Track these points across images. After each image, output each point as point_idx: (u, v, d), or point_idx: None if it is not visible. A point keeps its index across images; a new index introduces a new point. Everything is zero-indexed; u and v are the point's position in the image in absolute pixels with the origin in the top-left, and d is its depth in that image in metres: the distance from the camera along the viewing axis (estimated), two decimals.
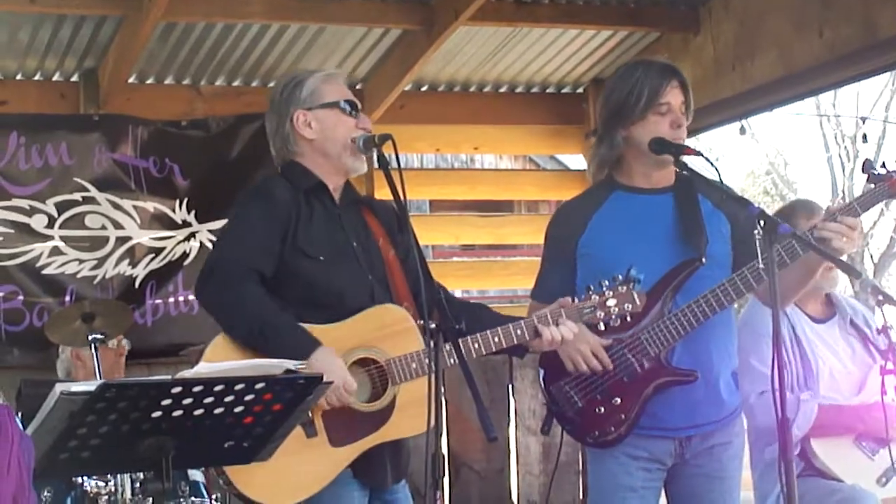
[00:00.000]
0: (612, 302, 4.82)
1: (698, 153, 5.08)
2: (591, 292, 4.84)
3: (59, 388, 3.80)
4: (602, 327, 4.86)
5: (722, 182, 5.03)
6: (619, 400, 5.10)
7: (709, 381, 5.14)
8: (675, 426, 5.14)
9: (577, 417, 5.21)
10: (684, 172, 5.06)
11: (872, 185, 5.08)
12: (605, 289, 4.82)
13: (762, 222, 4.44)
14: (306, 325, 4.61)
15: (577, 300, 4.89)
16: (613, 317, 4.83)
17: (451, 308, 4.65)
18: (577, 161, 11.07)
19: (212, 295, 4.67)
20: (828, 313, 6.35)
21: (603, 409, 5.13)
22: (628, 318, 4.89)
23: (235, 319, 4.61)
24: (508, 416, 8.94)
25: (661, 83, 5.18)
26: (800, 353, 6.17)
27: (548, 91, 9.95)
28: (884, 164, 5.05)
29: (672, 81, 5.17)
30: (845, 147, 28.36)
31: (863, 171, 5.16)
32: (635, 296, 4.82)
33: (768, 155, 29.07)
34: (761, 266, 4.45)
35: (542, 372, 5.22)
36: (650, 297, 4.94)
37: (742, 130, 9.12)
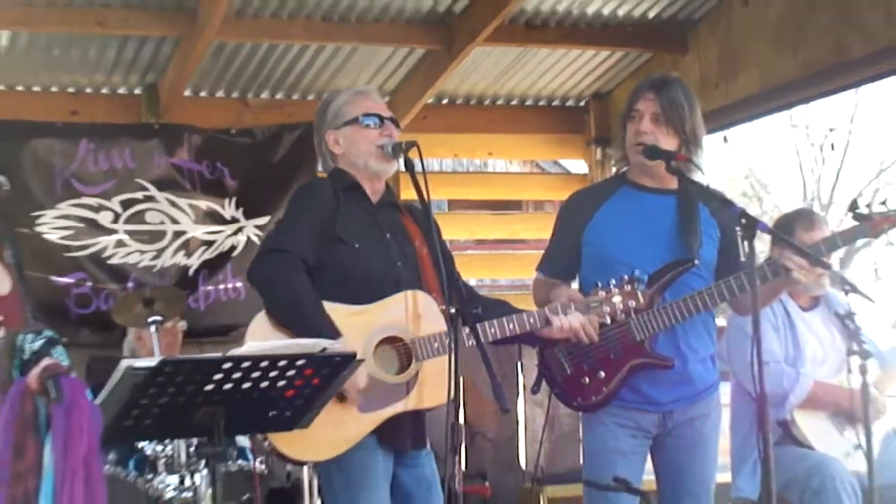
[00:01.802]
0: (617, 299, 4.82)
1: (689, 160, 5.06)
2: (598, 289, 4.84)
3: (124, 363, 3.80)
4: (608, 321, 4.86)
5: (709, 186, 5.03)
6: (602, 374, 5.12)
7: (688, 364, 5.15)
8: (659, 401, 5.15)
9: (564, 384, 5.23)
10: (688, 181, 5.04)
11: (856, 223, 5.10)
12: (612, 286, 4.82)
13: (743, 220, 4.44)
14: (341, 305, 4.64)
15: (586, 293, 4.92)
16: (618, 312, 4.83)
17: (473, 299, 4.77)
18: (578, 166, 11.05)
19: (261, 276, 4.69)
20: (814, 303, 6.37)
21: (588, 380, 5.15)
22: (632, 315, 4.90)
23: (276, 299, 4.65)
24: (517, 390, 8.93)
25: (637, 93, 5.20)
26: (792, 336, 6.19)
27: (553, 104, 9.93)
28: (869, 205, 5.06)
29: (647, 93, 5.16)
30: (814, 154, 28.31)
31: (850, 209, 5.17)
32: (639, 294, 4.82)
33: (746, 161, 29.12)
34: (743, 259, 4.44)
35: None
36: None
37: (725, 140, 9.10)
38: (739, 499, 6.34)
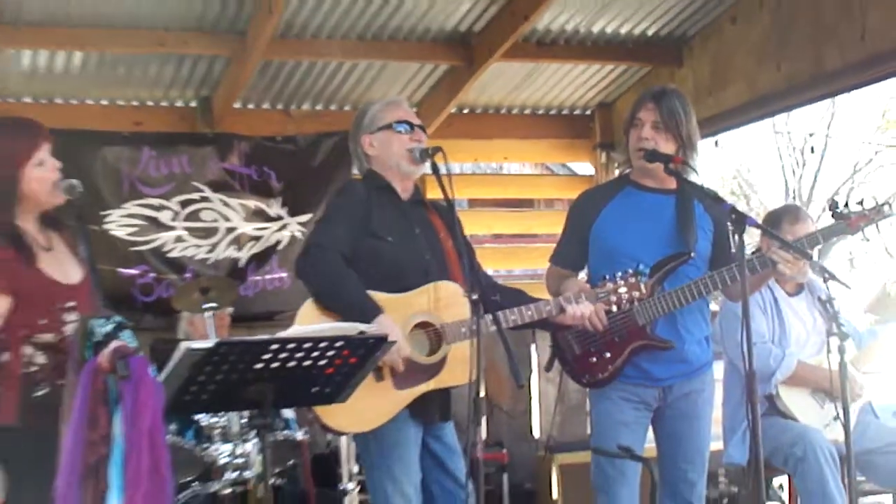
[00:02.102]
0: (623, 289, 4.84)
1: (685, 162, 5.08)
2: (605, 280, 4.86)
3: (184, 345, 3.80)
4: (614, 309, 4.88)
5: (703, 185, 5.05)
6: (608, 354, 5.14)
7: (685, 345, 5.17)
8: (659, 377, 5.17)
9: (574, 363, 5.26)
10: (685, 181, 5.05)
11: (835, 221, 5.14)
12: (617, 278, 4.84)
13: (733, 216, 4.45)
14: (380, 294, 4.66)
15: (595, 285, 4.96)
16: (623, 301, 4.85)
17: (493, 288, 4.89)
18: (584, 168, 10.99)
19: (307, 267, 4.70)
20: (798, 290, 6.36)
21: (595, 360, 5.18)
22: (635, 304, 4.91)
23: (322, 287, 4.67)
24: (531, 368, 8.92)
25: (639, 103, 5.21)
26: (778, 319, 6.19)
27: (562, 113, 9.90)
28: (846, 203, 5.08)
29: (648, 103, 5.17)
30: (795, 157, 28.18)
31: (829, 208, 5.20)
32: (642, 286, 4.84)
33: (735, 163, 29.04)
34: (734, 251, 4.45)
35: None
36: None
37: (716, 144, 9.04)
38: (730, 464, 6.35)
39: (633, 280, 4.83)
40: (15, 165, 4.10)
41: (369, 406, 4.56)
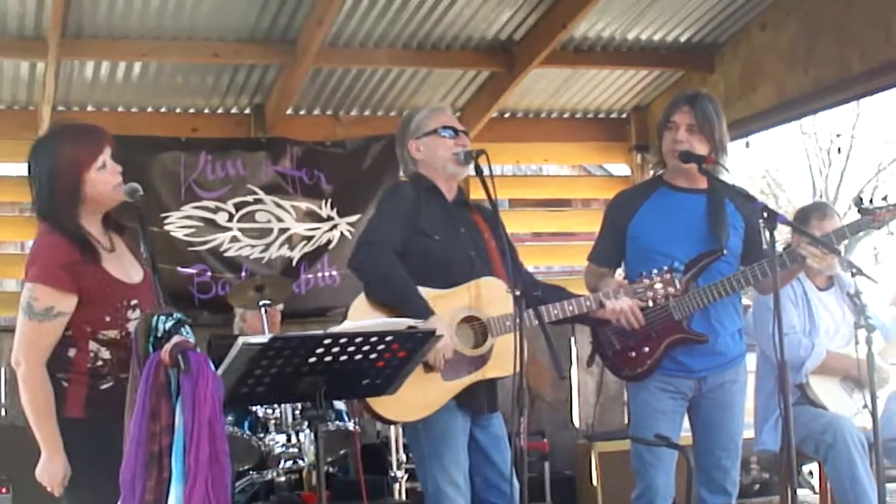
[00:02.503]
0: (659, 286, 4.84)
1: (717, 162, 5.07)
2: (642, 277, 4.85)
3: (241, 340, 3.82)
4: (650, 304, 4.88)
5: (734, 184, 5.04)
6: (647, 348, 5.14)
7: (719, 337, 5.16)
8: (695, 369, 5.16)
9: (614, 357, 5.28)
10: (716, 180, 5.04)
11: (861, 216, 5.11)
12: (654, 275, 4.83)
13: (765, 214, 4.44)
14: (428, 289, 4.68)
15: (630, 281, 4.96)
16: (659, 297, 4.85)
17: (535, 284, 4.90)
18: (619, 169, 10.94)
19: (360, 263, 4.74)
20: (829, 283, 6.34)
21: (634, 354, 5.19)
22: (670, 300, 4.91)
23: (374, 281, 4.70)
24: (571, 359, 8.91)
25: (673, 106, 5.19)
26: (808, 311, 6.16)
27: (599, 116, 9.86)
28: (871, 199, 5.06)
29: (682, 106, 5.17)
30: (822, 157, 28.03)
31: (855, 203, 5.18)
32: (677, 283, 4.83)
33: (764, 163, 28.89)
34: (765, 247, 4.43)
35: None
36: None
37: (747, 145, 9.01)
38: (763, 450, 6.33)
39: (668, 277, 4.83)
40: (79, 169, 4.11)
41: (418, 396, 4.57)
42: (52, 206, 4.13)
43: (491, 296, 4.78)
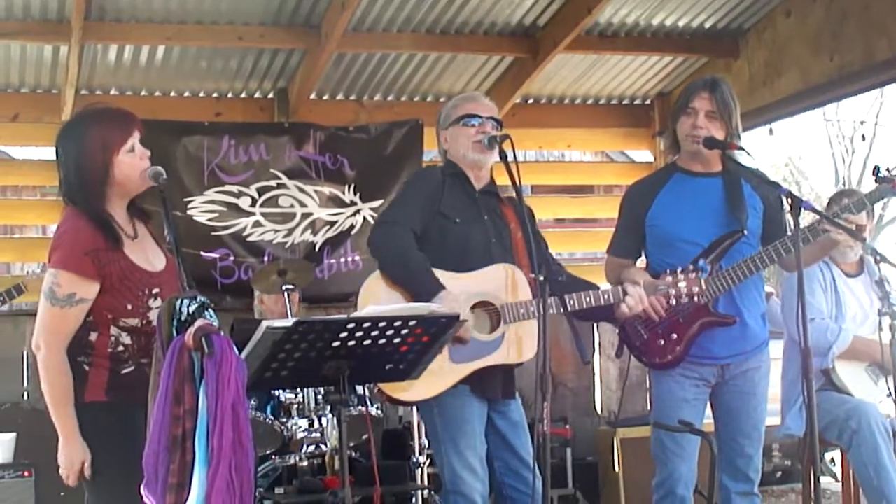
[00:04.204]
0: (682, 284, 4.84)
1: (741, 148, 5.06)
2: (666, 274, 4.84)
3: (264, 324, 3.81)
4: (673, 302, 4.86)
5: (758, 169, 5.03)
6: (675, 336, 5.14)
7: (746, 318, 5.15)
8: (718, 356, 5.16)
9: (642, 346, 5.26)
10: (731, 162, 5.03)
11: (879, 185, 5.07)
12: (678, 272, 4.84)
13: (790, 200, 4.43)
14: (443, 271, 4.71)
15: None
16: (682, 296, 4.84)
17: (563, 272, 4.96)
18: (642, 155, 10.93)
19: (377, 241, 4.80)
20: (858, 271, 6.31)
21: (662, 342, 5.17)
22: (694, 299, 4.89)
23: (388, 259, 4.75)
24: (594, 346, 8.91)
25: (692, 91, 5.18)
26: (835, 297, 6.14)
27: (623, 102, 9.83)
28: (888, 168, 5.01)
29: (701, 92, 5.15)
30: (845, 145, 27.96)
31: (872, 173, 5.13)
32: (701, 282, 4.82)
33: (787, 151, 28.82)
34: (789, 233, 4.42)
35: None
36: (702, 256, 4.95)
37: (771, 132, 8.97)
38: (788, 435, 6.31)
39: (692, 276, 4.83)
40: (109, 151, 4.11)
41: (427, 377, 4.51)
42: (80, 188, 4.13)
43: (507, 282, 4.79)
